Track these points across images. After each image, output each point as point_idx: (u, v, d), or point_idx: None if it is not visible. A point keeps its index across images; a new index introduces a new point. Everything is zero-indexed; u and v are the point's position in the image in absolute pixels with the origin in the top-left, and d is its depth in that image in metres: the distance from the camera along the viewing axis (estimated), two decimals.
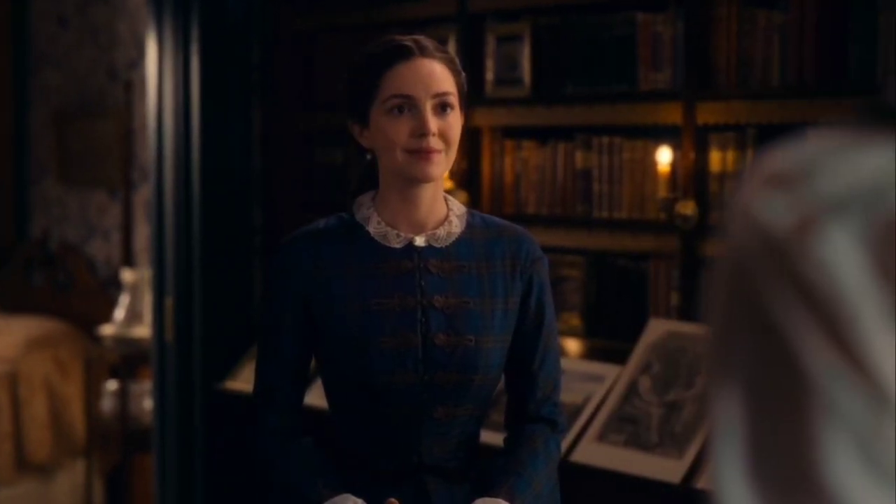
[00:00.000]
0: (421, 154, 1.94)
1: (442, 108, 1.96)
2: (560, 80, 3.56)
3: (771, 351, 0.69)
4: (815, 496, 0.67)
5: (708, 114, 3.19)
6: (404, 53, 1.96)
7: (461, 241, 2.04)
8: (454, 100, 1.98)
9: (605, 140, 3.43)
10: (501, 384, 2.12)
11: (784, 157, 0.73)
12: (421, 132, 1.94)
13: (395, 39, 1.99)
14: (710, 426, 0.72)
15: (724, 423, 0.71)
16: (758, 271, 0.70)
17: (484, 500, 1.95)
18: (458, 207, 2.08)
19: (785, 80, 3.08)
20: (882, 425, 0.67)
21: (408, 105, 1.95)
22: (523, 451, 2.04)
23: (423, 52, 1.97)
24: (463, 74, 2.03)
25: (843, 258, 0.68)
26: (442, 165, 1.97)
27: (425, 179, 1.97)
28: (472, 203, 3.58)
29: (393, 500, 1.94)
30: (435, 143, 1.94)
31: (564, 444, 3.06)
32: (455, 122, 1.97)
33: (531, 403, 2.08)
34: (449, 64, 1.99)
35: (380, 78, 1.96)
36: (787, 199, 0.70)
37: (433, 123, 1.94)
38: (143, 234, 5.09)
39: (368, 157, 2.05)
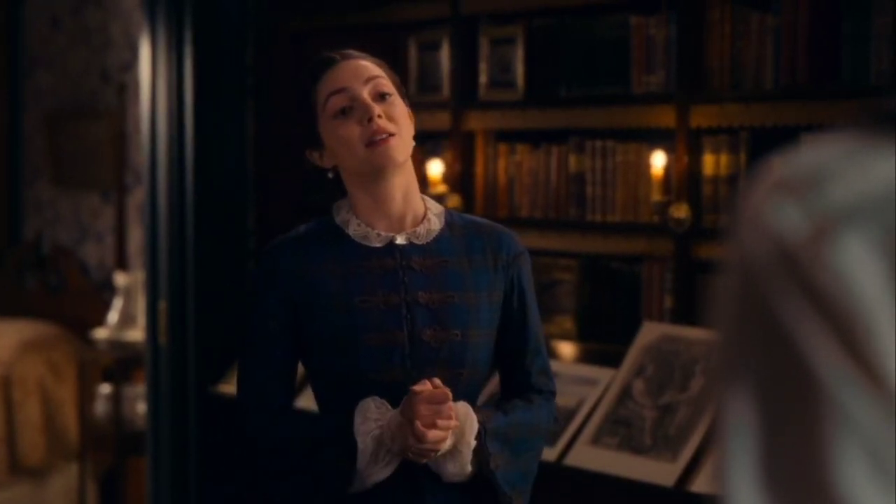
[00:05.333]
0: (377, 143, 1.98)
1: (381, 96, 2.01)
2: (553, 82, 3.56)
3: (783, 359, 0.69)
4: (826, 503, 0.67)
5: (701, 117, 3.19)
6: (329, 62, 2.05)
7: (442, 237, 2.06)
8: (389, 85, 2.04)
9: (599, 143, 3.43)
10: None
11: (793, 162, 0.72)
12: (367, 117, 1.98)
13: (319, 55, 2.09)
14: (719, 433, 0.72)
15: (734, 429, 0.71)
16: (770, 279, 0.69)
17: (458, 403, 1.95)
18: (435, 207, 2.10)
19: (778, 83, 3.08)
20: (893, 433, 0.67)
21: (347, 101, 2.00)
22: (517, 399, 2.07)
23: (346, 57, 2.06)
24: (394, 74, 2.10)
25: (858, 267, 0.67)
26: (400, 149, 2.00)
27: (389, 165, 1.99)
28: (466, 207, 3.58)
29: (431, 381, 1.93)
30: (384, 124, 1.99)
31: (559, 447, 3.06)
32: (397, 105, 2.02)
33: (529, 393, 2.10)
34: (376, 61, 2.08)
35: (314, 90, 2.04)
36: (799, 206, 0.70)
37: (375, 107, 1.99)
38: (136, 237, 5.08)
39: (330, 175, 2.07)
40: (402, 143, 2.00)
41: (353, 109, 2.00)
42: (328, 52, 2.09)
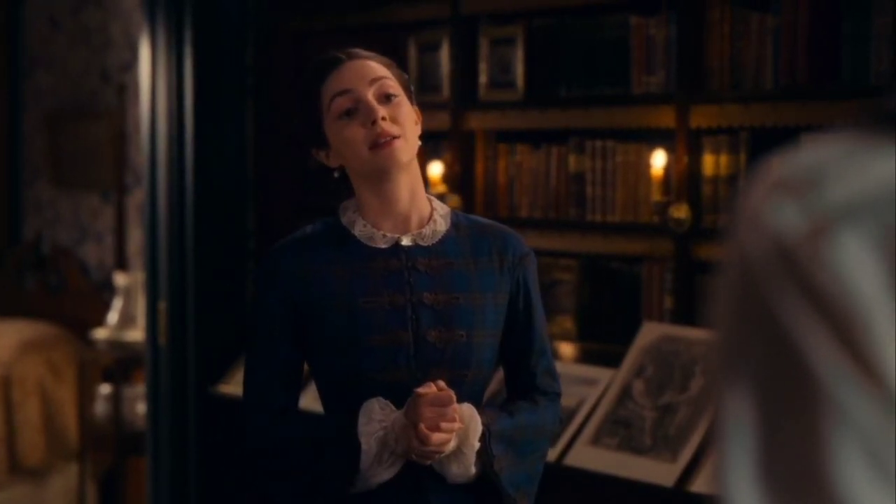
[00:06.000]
0: (381, 145, 1.97)
1: (386, 98, 2.01)
2: (553, 83, 3.56)
3: (781, 357, 0.69)
4: (824, 501, 0.67)
5: (701, 117, 3.19)
6: (334, 62, 2.04)
7: (447, 238, 2.06)
8: (395, 86, 2.03)
9: (599, 143, 3.43)
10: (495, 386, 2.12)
11: (792, 162, 0.73)
12: (371, 119, 1.97)
13: (325, 54, 2.07)
14: (717, 431, 0.72)
15: (733, 427, 0.71)
16: (768, 277, 0.70)
17: (463, 405, 1.95)
18: (441, 207, 2.10)
19: (778, 83, 3.08)
20: (892, 431, 0.67)
21: (352, 102, 2.00)
22: (522, 401, 2.07)
23: (352, 57, 2.05)
24: (402, 72, 2.09)
25: (856, 265, 0.68)
26: (405, 151, 2.00)
27: (392, 167, 1.99)
28: (466, 207, 3.58)
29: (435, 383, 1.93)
30: (389, 126, 1.98)
31: (559, 447, 3.06)
32: (402, 106, 2.02)
33: (534, 395, 2.10)
34: (381, 60, 2.07)
35: (319, 90, 2.03)
36: (798, 205, 0.70)
37: (380, 109, 1.99)
38: (136, 238, 5.08)
39: (336, 174, 2.07)
40: (407, 144, 2.00)
41: (358, 111, 2.00)
42: (334, 50, 2.07)
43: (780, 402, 0.70)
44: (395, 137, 1.98)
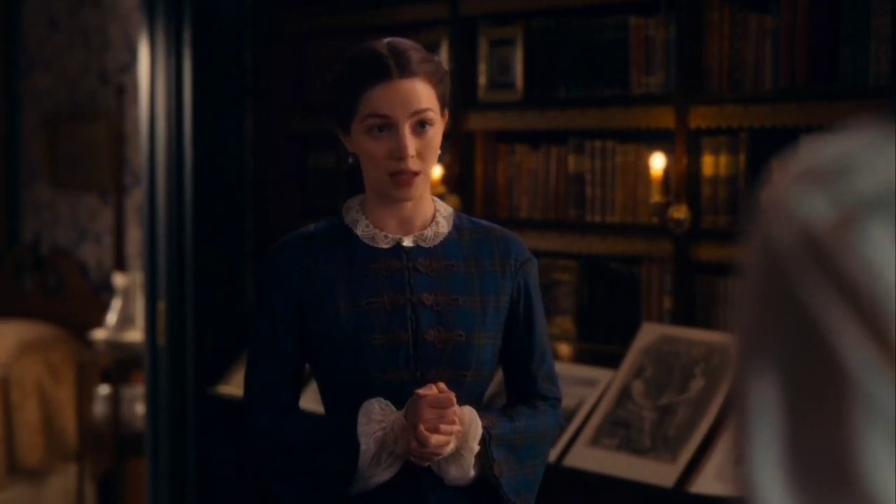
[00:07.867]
0: (401, 178, 1.96)
1: (420, 125, 1.97)
2: (553, 83, 3.56)
3: (808, 345, 0.70)
4: (852, 491, 0.68)
5: (700, 117, 3.20)
6: (383, 74, 1.96)
7: (449, 240, 2.06)
8: (433, 115, 1.99)
9: (598, 144, 3.44)
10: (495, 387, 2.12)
11: (818, 152, 0.73)
12: (399, 155, 1.95)
13: (374, 52, 1.98)
14: (741, 421, 0.73)
15: (759, 416, 0.71)
16: (796, 266, 0.70)
17: (464, 408, 1.95)
18: (444, 209, 2.10)
19: (777, 84, 3.08)
20: None
21: (386, 125, 1.96)
22: (523, 406, 2.07)
23: (403, 72, 1.96)
24: (446, 80, 2.03)
25: (884, 254, 0.68)
26: (421, 185, 2.00)
27: (405, 198, 2.00)
28: (465, 207, 3.58)
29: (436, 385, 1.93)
30: (413, 164, 1.96)
31: (558, 448, 3.06)
32: (433, 137, 1.99)
33: (534, 400, 2.10)
34: (430, 77, 1.99)
35: (359, 96, 1.97)
36: (826, 194, 0.70)
37: (411, 145, 1.95)
38: (134, 238, 5.08)
39: (350, 160, 2.07)
40: (425, 178, 2.00)
41: (390, 135, 1.96)
42: (385, 48, 1.98)
43: (807, 391, 0.70)
44: (416, 174, 1.97)
